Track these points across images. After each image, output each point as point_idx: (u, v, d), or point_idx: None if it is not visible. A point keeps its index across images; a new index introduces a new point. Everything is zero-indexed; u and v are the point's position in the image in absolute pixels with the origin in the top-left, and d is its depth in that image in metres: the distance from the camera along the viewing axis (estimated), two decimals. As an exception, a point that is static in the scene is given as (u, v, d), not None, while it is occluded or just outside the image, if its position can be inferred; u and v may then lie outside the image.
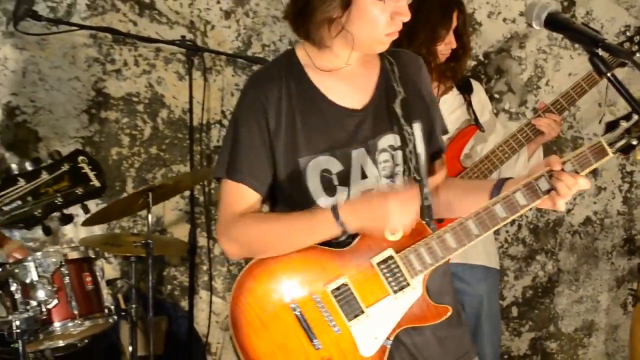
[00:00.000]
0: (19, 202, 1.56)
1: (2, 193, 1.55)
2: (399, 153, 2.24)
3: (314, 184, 2.19)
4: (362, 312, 2.17)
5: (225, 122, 4.49)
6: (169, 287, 4.62)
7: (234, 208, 2.22)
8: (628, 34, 3.49)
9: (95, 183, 1.61)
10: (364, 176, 2.21)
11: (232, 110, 4.38)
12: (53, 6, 4.29)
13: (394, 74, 2.29)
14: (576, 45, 4.42)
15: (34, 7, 3.93)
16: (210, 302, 4.62)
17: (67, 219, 1.63)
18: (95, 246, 3.59)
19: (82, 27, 4.22)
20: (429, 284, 2.23)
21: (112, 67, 4.44)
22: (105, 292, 3.45)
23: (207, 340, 4.63)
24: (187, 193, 4.43)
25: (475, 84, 3.61)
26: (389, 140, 2.24)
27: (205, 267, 4.61)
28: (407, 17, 2.13)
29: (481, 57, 4.32)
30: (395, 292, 2.18)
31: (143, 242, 3.62)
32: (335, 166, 2.19)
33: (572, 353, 4.75)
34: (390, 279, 2.18)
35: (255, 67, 4.37)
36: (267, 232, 2.19)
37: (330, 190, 2.19)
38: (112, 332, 4.07)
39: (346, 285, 2.17)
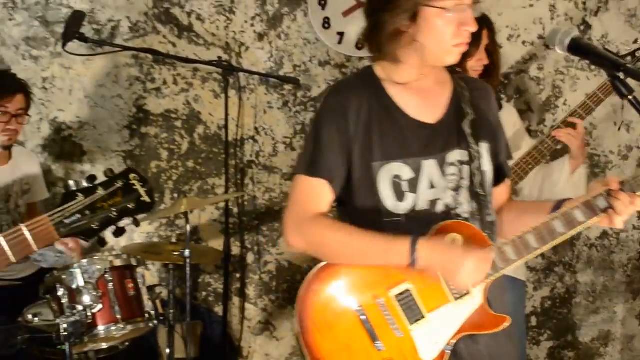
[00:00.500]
0: (79, 216, 1.58)
1: (63, 207, 1.57)
2: (466, 168, 2.22)
3: (384, 187, 2.17)
4: (423, 317, 2.15)
5: (258, 138, 4.50)
6: (204, 293, 4.62)
7: (310, 204, 2.21)
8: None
9: (146, 199, 1.64)
10: (431, 186, 2.19)
11: (264, 126, 4.42)
12: (98, 29, 4.32)
13: (465, 97, 2.28)
14: (592, 67, 4.39)
15: (80, 29, 3.94)
16: (243, 308, 4.62)
17: (121, 232, 1.65)
18: (137, 254, 3.61)
19: (124, 48, 4.24)
20: (489, 294, 2.21)
21: (152, 86, 4.45)
22: (146, 298, 3.46)
23: (240, 345, 4.62)
24: (222, 204, 4.42)
25: (507, 106, 3.60)
26: (457, 155, 2.22)
27: (238, 275, 4.60)
28: (473, 28, 2.13)
29: (501, 78, 4.28)
30: (456, 299, 2.17)
31: (181, 251, 3.61)
32: (406, 173, 2.18)
33: (588, 360, 4.69)
34: (452, 287, 2.16)
35: (287, 87, 4.41)
36: (341, 244, 2.17)
37: (399, 195, 2.18)
38: (151, 336, 4.06)
39: (409, 291, 2.16)
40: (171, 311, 3.69)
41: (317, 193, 2.21)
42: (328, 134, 2.19)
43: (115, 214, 1.63)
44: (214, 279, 4.61)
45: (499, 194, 2.40)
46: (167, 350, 3.79)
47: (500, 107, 3.44)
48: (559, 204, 2.22)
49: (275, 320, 4.66)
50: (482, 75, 3.40)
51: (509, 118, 3.53)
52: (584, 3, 4.35)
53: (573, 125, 3.31)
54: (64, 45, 3.97)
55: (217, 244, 4.45)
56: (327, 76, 4.44)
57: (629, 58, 3.45)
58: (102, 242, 1.66)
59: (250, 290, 4.62)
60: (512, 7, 4.27)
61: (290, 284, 4.62)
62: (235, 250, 4.52)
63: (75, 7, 4.26)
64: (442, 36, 2.12)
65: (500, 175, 2.36)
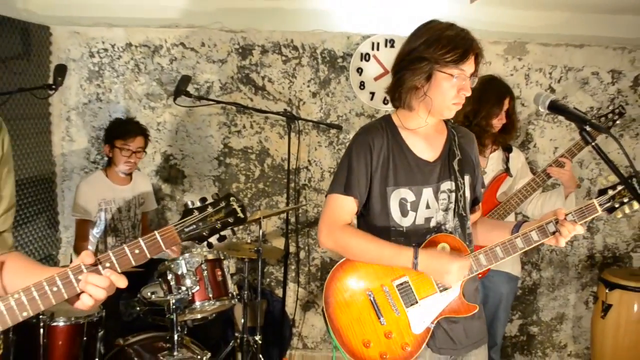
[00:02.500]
0: (194, 226, 1.61)
1: (184, 220, 1.61)
2: (453, 195, 2.24)
3: (393, 206, 2.20)
4: (417, 302, 2.19)
5: (310, 167, 4.50)
6: (268, 280, 4.63)
7: (341, 214, 2.23)
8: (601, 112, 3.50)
9: (241, 215, 1.66)
10: (427, 206, 2.22)
11: (315, 159, 4.44)
12: (197, 87, 4.38)
13: (455, 142, 2.30)
14: (554, 120, 4.39)
15: (186, 88, 4.02)
16: (297, 291, 4.63)
17: (222, 238, 1.68)
18: (223, 251, 3.63)
19: (216, 101, 4.28)
20: (464, 288, 2.23)
21: (235, 129, 4.49)
22: (230, 282, 3.48)
23: (294, 318, 4.63)
24: (283, 215, 4.43)
25: (515, 150, 3.63)
26: (448, 185, 2.24)
27: (293, 267, 4.61)
28: (468, 93, 2.15)
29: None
30: (440, 291, 2.20)
31: (256, 249, 3.63)
32: (410, 197, 2.20)
33: (548, 335, 4.65)
34: (438, 282, 2.19)
35: (332, 131, 4.42)
36: (361, 247, 2.18)
37: (403, 212, 2.20)
38: (230, 310, 4.07)
39: (407, 282, 2.19)
40: (245, 292, 3.73)
41: (347, 207, 2.23)
42: (357, 163, 2.19)
43: (219, 225, 1.63)
44: (275, 269, 4.63)
45: (475, 210, 2.43)
46: (242, 320, 3.81)
47: (510, 149, 3.53)
48: (518, 225, 2.26)
49: (319, 300, 4.65)
50: (501, 130, 3.48)
51: (518, 157, 3.60)
52: (550, 73, 4.34)
53: (562, 165, 3.37)
54: (175, 99, 4.03)
55: (279, 244, 4.49)
56: (362, 123, 4.29)
57: (610, 115, 3.54)
58: (210, 245, 1.69)
59: (302, 278, 4.63)
60: (498, 75, 4.28)
61: (331, 274, 4.63)
62: (292, 248, 4.53)
63: (182, 72, 4.34)
64: (446, 95, 2.13)
65: (475, 201, 2.39)
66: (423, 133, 2.26)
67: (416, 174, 2.21)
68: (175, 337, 3.01)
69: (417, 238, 2.20)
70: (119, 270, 1.55)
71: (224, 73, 4.41)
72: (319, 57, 4.38)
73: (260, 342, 3.76)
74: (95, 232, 3.91)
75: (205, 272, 3.34)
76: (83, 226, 3.90)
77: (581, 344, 4.64)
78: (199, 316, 3.40)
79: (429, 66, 2.10)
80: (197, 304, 3.29)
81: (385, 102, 4.35)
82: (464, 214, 2.26)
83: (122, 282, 1.55)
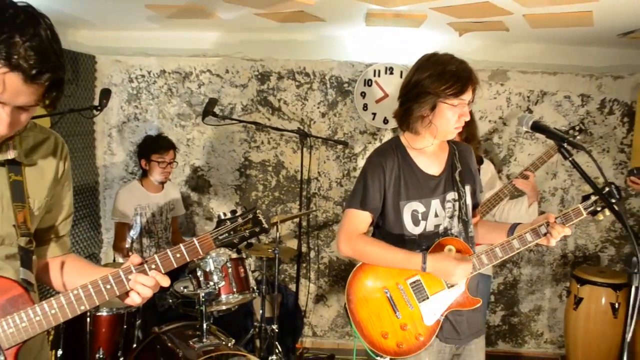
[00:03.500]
0: (226, 235, 1.59)
1: (218, 229, 1.59)
2: (457, 203, 2.22)
3: (406, 217, 2.18)
4: (428, 297, 2.17)
5: (320, 178, 4.47)
6: (282, 276, 4.60)
7: (358, 226, 2.20)
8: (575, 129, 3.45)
9: (265, 226, 1.65)
10: (436, 215, 2.20)
11: (323, 171, 4.42)
12: (222, 108, 4.37)
13: (456, 156, 2.28)
14: (533, 137, 4.36)
15: (213, 109, 4.00)
16: (309, 286, 4.60)
17: (249, 245, 1.67)
18: (244, 251, 3.59)
19: (238, 120, 4.26)
20: (468, 285, 2.21)
21: (254, 145, 4.47)
22: (251, 278, 3.46)
23: (305, 309, 4.59)
24: (296, 220, 4.39)
25: (486, 161, 3.55)
26: (452, 195, 2.22)
27: (304, 265, 4.58)
28: (468, 118, 2.13)
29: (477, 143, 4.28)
30: (448, 287, 2.18)
31: (273, 249, 3.59)
32: (421, 208, 2.18)
33: (527, 324, 4.60)
34: (445, 281, 2.18)
35: (339, 147, 4.40)
36: (376, 254, 2.16)
37: (415, 222, 2.19)
38: (249, 302, 4.02)
39: (419, 280, 2.17)
40: (263, 287, 3.71)
41: (362, 220, 2.21)
42: (372, 182, 2.18)
43: (247, 234, 1.61)
44: (288, 267, 4.60)
45: (475, 215, 2.38)
46: (260, 311, 3.78)
47: (481, 161, 3.45)
48: (513, 227, 2.24)
49: (327, 294, 4.63)
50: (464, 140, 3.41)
51: (488, 167, 3.52)
52: (528, 97, 4.32)
53: (526, 177, 3.32)
54: (203, 118, 4.02)
55: (292, 244, 4.46)
56: (365, 140, 4.42)
57: (571, 131, 3.46)
58: (239, 251, 1.68)
59: (312, 275, 4.60)
60: (483, 98, 4.28)
61: (337, 271, 4.59)
62: (304, 249, 4.50)
63: (209, 95, 4.33)
64: (449, 122, 2.11)
65: (476, 204, 2.36)
66: (429, 151, 2.23)
67: (424, 188, 2.19)
68: (204, 325, 2.97)
69: (428, 242, 2.18)
70: (163, 272, 1.54)
71: (245, 96, 4.39)
72: (327, 82, 4.37)
73: (276, 330, 3.71)
74: (132, 234, 3.88)
75: (230, 269, 3.31)
76: (122, 228, 3.89)
77: (556, 332, 4.58)
78: (223, 308, 3.35)
79: (433, 99, 2.09)
80: (223, 297, 3.27)
81: (385, 121, 4.32)
82: (467, 219, 2.23)
83: (166, 282, 1.54)
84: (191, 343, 2.92)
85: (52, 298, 1.44)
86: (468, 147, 2.38)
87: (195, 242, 1.56)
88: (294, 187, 4.48)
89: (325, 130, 4.42)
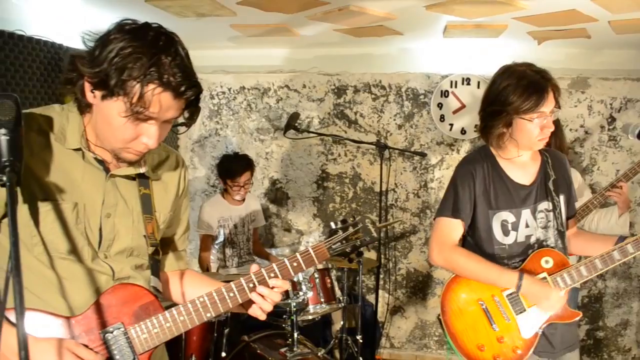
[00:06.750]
0: (339, 244, 1.62)
1: (331, 238, 1.62)
2: (551, 214, 2.17)
3: (496, 227, 2.15)
4: (525, 310, 2.12)
5: (397, 189, 4.47)
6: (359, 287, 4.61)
7: (450, 235, 2.17)
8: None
9: (374, 234, 1.66)
10: (527, 226, 2.15)
11: (400, 182, 4.42)
12: (300, 122, 4.41)
13: (549, 164, 2.23)
14: (616, 145, 4.23)
15: (295, 124, 4.08)
16: (388, 298, 4.60)
17: (360, 254, 1.69)
18: (330, 262, 3.63)
19: (317, 134, 4.34)
20: (568, 297, 2.16)
21: (331, 157, 4.52)
22: (337, 288, 3.48)
23: (383, 321, 4.59)
24: (373, 231, 4.39)
25: (572, 170, 3.47)
26: (545, 205, 2.17)
27: (382, 276, 4.57)
28: (551, 128, 2.07)
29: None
30: None
31: (357, 260, 3.55)
32: (510, 218, 2.15)
33: (613, 339, 4.43)
34: (536, 305, 2.13)
35: (415, 158, 4.40)
36: (469, 267, 2.13)
37: (505, 232, 2.15)
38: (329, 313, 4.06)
39: (515, 292, 2.12)
40: (345, 297, 3.71)
41: (455, 229, 2.17)
42: (462, 190, 2.15)
43: (358, 243, 1.64)
44: (366, 278, 4.60)
45: (570, 225, 2.32)
46: (341, 322, 3.78)
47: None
48: (620, 239, 2.14)
49: (404, 306, 4.61)
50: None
51: (576, 176, 3.44)
52: (611, 104, 4.20)
53: (620, 187, 3.22)
54: (284, 132, 4.11)
55: (371, 256, 4.45)
56: (442, 151, 4.40)
57: None
58: (350, 260, 1.70)
59: (390, 286, 4.60)
60: (563, 107, 4.18)
61: (414, 283, 4.57)
62: (382, 260, 4.51)
63: (287, 110, 4.43)
64: (530, 135, 2.06)
65: (571, 215, 2.29)
66: (519, 161, 2.19)
67: (514, 198, 2.15)
68: (295, 335, 3.02)
69: (517, 253, 2.15)
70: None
71: (322, 110, 4.46)
72: (403, 94, 4.38)
73: (361, 341, 3.72)
74: (216, 244, 4.02)
75: (317, 279, 3.35)
76: (206, 240, 4.00)
77: (644, 348, 4.41)
78: (310, 317, 3.39)
79: (509, 116, 2.05)
80: (311, 307, 3.30)
81: (463, 132, 4.30)
82: (562, 230, 2.19)
83: (287, 286, 1.59)
84: (282, 352, 2.98)
85: (179, 305, 1.52)
86: (562, 156, 2.32)
87: (311, 251, 1.59)
88: (370, 198, 4.51)
89: (402, 142, 4.42)
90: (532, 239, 2.16)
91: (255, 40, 4.05)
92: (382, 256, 4.53)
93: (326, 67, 4.43)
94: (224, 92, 4.54)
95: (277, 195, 4.61)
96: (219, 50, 4.46)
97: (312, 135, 4.30)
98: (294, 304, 3.07)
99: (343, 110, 4.45)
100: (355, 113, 4.44)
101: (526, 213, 2.15)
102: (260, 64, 4.48)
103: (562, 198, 2.21)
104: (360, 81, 4.41)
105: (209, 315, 1.53)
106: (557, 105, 2.07)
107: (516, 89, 2.01)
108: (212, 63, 4.51)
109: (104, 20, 1.40)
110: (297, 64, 4.47)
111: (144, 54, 1.29)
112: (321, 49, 4.38)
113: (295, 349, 2.99)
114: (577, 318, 2.15)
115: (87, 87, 1.35)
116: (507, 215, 2.14)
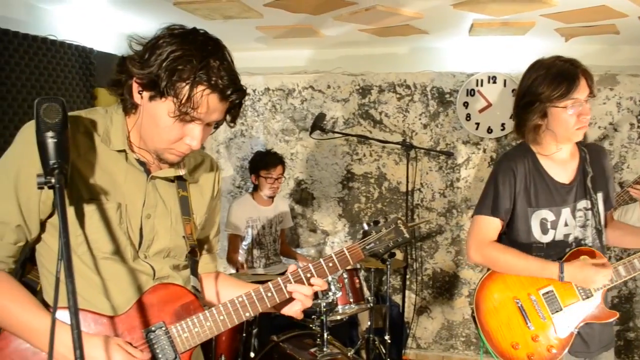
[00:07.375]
0: (373, 244, 1.62)
1: (365, 239, 1.63)
2: (589, 212, 2.15)
3: (535, 225, 2.13)
4: (561, 309, 2.11)
5: (422, 189, 4.46)
6: (386, 287, 4.59)
7: (488, 233, 2.16)
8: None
9: (407, 235, 1.66)
10: (566, 224, 2.13)
11: (426, 182, 4.40)
12: (325, 123, 4.41)
13: (587, 160, 2.19)
14: (647, 143, 4.17)
15: (321, 124, 4.09)
16: (415, 298, 4.58)
17: (392, 255, 1.70)
18: (359, 262, 3.62)
19: (343, 134, 4.34)
20: (605, 297, 2.14)
21: (356, 157, 4.52)
22: (365, 289, 3.48)
23: (409, 321, 4.57)
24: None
25: None
26: (583, 204, 2.15)
27: (408, 276, 4.55)
28: (588, 115, 2.03)
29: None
30: (583, 299, 2.11)
31: (386, 260, 3.56)
32: (550, 216, 2.13)
33: (644, 340, 4.38)
34: (581, 291, 2.11)
35: (441, 157, 4.38)
36: (509, 262, 2.12)
37: (544, 230, 2.13)
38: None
39: (552, 291, 2.12)
40: (372, 297, 3.71)
41: (492, 227, 2.16)
42: (502, 187, 2.12)
43: (391, 244, 1.64)
44: (392, 278, 4.59)
45: (608, 219, 2.27)
46: (368, 322, 3.76)
47: None
48: None
49: (430, 306, 4.59)
50: None
51: None
52: (640, 101, 4.16)
53: None
54: (310, 133, 4.13)
55: (398, 256, 4.42)
56: (468, 150, 4.37)
57: None
58: (383, 261, 1.71)
59: (416, 286, 4.58)
60: (592, 104, 4.14)
61: (440, 283, 4.54)
62: (408, 260, 4.50)
63: (312, 111, 4.44)
64: (567, 124, 2.03)
65: (608, 208, 2.25)
66: (558, 158, 2.17)
67: (555, 196, 2.13)
68: (325, 335, 3.03)
69: (556, 252, 2.13)
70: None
71: (347, 110, 4.46)
72: (428, 93, 4.37)
73: (389, 341, 3.72)
74: (244, 245, 4.04)
75: (346, 279, 3.35)
76: (235, 240, 4.03)
77: (677, 348, 4.33)
78: (338, 318, 3.39)
79: (542, 105, 2.02)
80: (339, 307, 3.31)
81: (489, 131, 4.26)
82: (600, 228, 2.16)
83: (325, 285, 1.60)
84: (312, 352, 2.99)
85: (219, 305, 1.54)
86: (599, 147, 2.28)
87: (346, 251, 1.61)
88: (396, 198, 4.50)
89: (428, 141, 4.41)
90: (571, 238, 2.15)
91: (280, 41, 4.07)
92: (409, 256, 4.51)
93: (350, 67, 4.43)
94: (248, 94, 4.57)
95: (302, 195, 4.62)
96: (244, 52, 4.47)
97: (337, 135, 4.30)
98: (324, 304, 3.08)
99: (368, 110, 4.44)
100: (380, 113, 4.43)
101: (566, 212, 2.13)
102: (284, 65, 4.51)
103: (599, 195, 2.18)
104: (385, 81, 4.40)
105: (247, 314, 1.54)
106: (592, 93, 2.03)
107: (545, 78, 2.00)
108: (237, 65, 4.39)
109: (133, 24, 1.43)
110: (322, 65, 4.48)
111: (194, 57, 1.32)
112: (345, 49, 4.39)
113: (325, 349, 2.99)
114: (614, 318, 2.13)
115: (136, 87, 1.38)
116: (547, 214, 2.13)
